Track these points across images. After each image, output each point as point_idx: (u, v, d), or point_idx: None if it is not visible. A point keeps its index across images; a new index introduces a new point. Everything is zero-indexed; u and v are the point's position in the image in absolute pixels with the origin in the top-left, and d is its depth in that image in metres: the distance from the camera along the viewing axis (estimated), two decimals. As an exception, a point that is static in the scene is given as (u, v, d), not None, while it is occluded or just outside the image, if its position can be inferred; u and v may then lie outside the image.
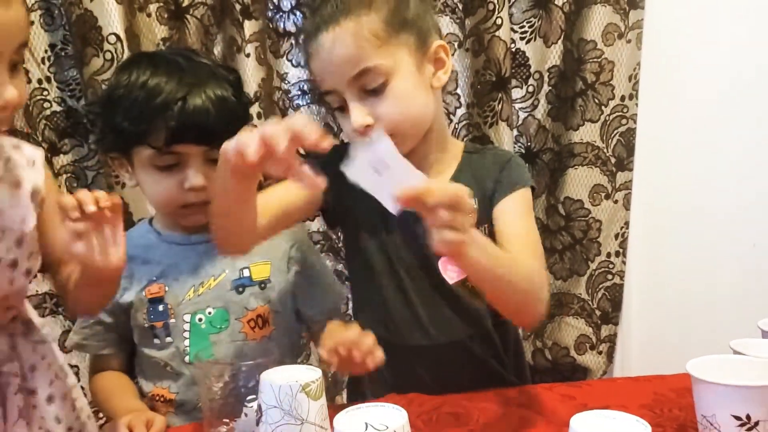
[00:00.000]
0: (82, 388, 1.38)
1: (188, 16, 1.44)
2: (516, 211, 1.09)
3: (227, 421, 0.91)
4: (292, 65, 1.55)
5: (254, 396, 0.90)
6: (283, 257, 1.17)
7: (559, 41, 1.56)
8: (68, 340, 1.18)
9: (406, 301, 1.11)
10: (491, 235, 1.07)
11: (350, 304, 1.29)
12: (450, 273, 1.09)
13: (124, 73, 1.08)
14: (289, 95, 1.56)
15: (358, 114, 1.01)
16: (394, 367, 1.03)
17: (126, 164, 1.10)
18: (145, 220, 1.21)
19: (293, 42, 1.54)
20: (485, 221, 1.09)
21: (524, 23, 1.55)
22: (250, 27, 1.46)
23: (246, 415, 0.90)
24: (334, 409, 0.79)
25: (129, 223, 1.39)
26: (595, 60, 1.55)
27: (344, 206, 1.11)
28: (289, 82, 1.56)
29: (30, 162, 0.98)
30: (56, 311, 1.46)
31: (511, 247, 1.03)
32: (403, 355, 1.10)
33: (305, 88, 1.56)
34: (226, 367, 0.93)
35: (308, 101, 1.58)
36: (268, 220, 1.02)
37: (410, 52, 1.03)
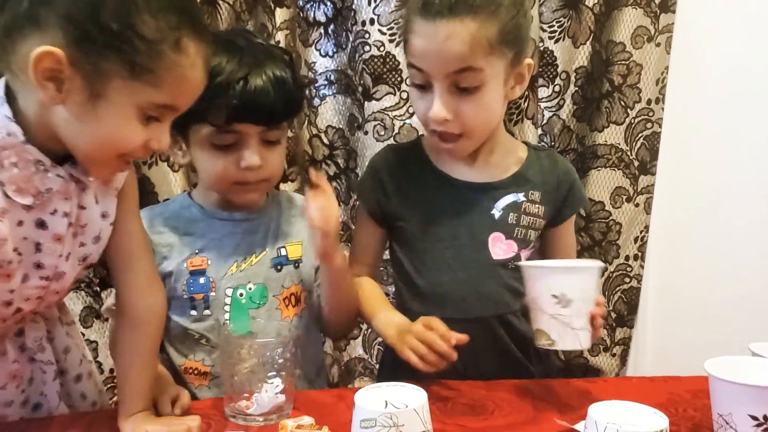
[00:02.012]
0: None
1: (220, 2, 1.46)
2: (572, 229, 1.26)
3: (247, 395, 0.93)
4: (320, 55, 1.56)
5: (275, 372, 0.92)
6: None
7: (588, 42, 1.57)
8: (105, 305, 1.20)
9: (449, 272, 1.15)
10: (544, 236, 1.20)
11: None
12: (497, 250, 1.15)
13: None
14: (316, 85, 1.58)
15: (442, 107, 1.05)
16: None
17: (180, 142, 1.11)
18: (184, 193, 1.23)
19: (322, 32, 1.56)
20: (543, 218, 1.18)
21: (554, 23, 1.55)
22: (281, 15, 1.48)
23: (267, 391, 0.91)
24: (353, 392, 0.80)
25: (154, 201, 1.42)
26: (623, 62, 1.55)
27: (392, 208, 1.18)
28: (316, 72, 1.57)
29: None
30: (78, 287, 1.48)
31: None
32: None
33: (332, 78, 1.58)
34: (249, 343, 0.95)
35: (334, 91, 1.59)
36: (374, 268, 1.23)
37: (506, 64, 1.06)
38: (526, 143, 1.25)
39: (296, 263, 1.16)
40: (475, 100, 1.05)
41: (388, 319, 1.11)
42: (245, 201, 1.14)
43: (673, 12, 1.56)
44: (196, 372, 1.12)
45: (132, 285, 0.96)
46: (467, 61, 1.02)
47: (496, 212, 1.15)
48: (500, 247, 1.15)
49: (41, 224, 0.86)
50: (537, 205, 1.17)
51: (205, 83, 0.85)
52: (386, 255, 1.26)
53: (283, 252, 1.15)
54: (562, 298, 0.92)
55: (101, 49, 0.76)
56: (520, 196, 1.16)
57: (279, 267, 1.15)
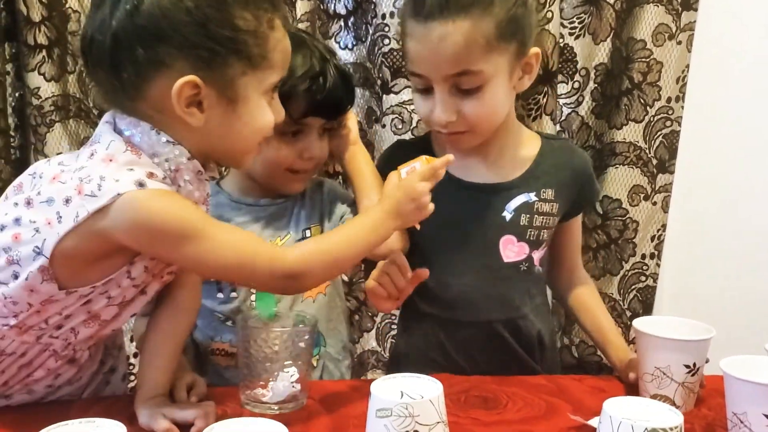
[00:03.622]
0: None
1: (242, -6, 1.47)
2: (580, 223, 1.27)
3: (263, 383, 0.93)
4: (340, 47, 1.57)
5: (291, 361, 0.93)
6: (336, 219, 1.20)
7: (608, 39, 1.56)
8: None
9: (459, 276, 1.14)
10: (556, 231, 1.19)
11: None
12: (508, 252, 1.14)
13: None
14: (335, 77, 1.58)
15: (444, 110, 1.05)
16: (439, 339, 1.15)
17: None
18: (213, 181, 1.25)
19: (342, 24, 1.56)
20: (557, 215, 1.17)
21: (574, 19, 1.54)
22: (301, 7, 1.48)
23: (282, 379, 0.92)
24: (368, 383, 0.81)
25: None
26: (644, 60, 1.54)
27: None
28: (335, 64, 1.58)
29: None
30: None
31: (574, 255, 1.26)
32: (452, 329, 1.15)
33: (351, 70, 1.58)
34: (266, 331, 0.96)
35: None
36: None
37: (510, 58, 1.04)
38: (540, 133, 1.23)
39: None
40: (477, 99, 1.04)
41: None
42: (294, 189, 1.17)
43: (695, 10, 1.54)
44: (223, 353, 1.15)
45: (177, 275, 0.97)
46: (464, 65, 1.00)
47: (507, 214, 1.14)
48: (512, 250, 1.14)
49: None
50: (550, 203, 1.15)
51: None
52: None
53: (308, 234, 1.17)
54: (693, 367, 0.96)
55: (224, 58, 0.83)
56: (532, 196, 1.14)
57: None
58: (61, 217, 0.80)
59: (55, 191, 0.81)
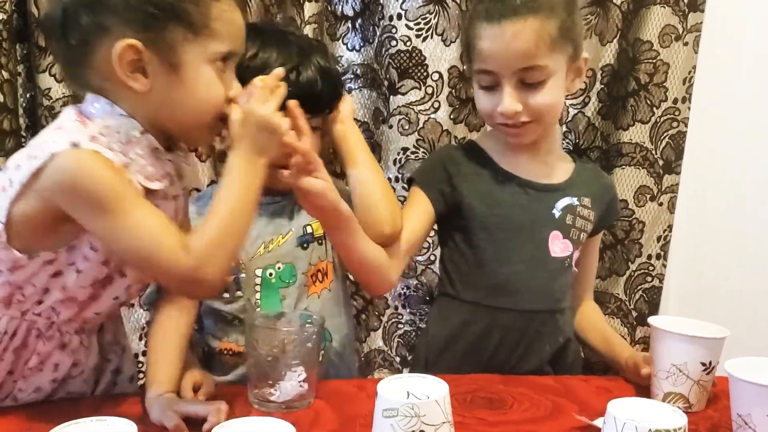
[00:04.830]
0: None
1: (250, -4, 1.48)
2: (598, 243, 1.39)
3: (271, 382, 0.94)
4: (347, 49, 1.57)
5: (298, 360, 0.94)
6: None
7: (615, 40, 1.56)
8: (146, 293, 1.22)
9: (509, 265, 1.19)
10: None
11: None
12: (555, 248, 1.21)
13: None
14: (342, 78, 1.59)
15: (512, 101, 1.12)
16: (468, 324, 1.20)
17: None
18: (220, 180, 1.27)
19: (350, 26, 1.56)
20: (593, 222, 1.25)
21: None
22: (309, 8, 1.49)
23: (290, 379, 0.93)
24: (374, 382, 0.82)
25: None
26: (650, 61, 1.54)
27: (457, 198, 1.22)
28: (342, 66, 1.58)
29: None
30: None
31: (589, 275, 1.36)
32: (492, 315, 1.20)
33: (358, 72, 1.59)
34: (273, 331, 0.97)
35: (360, 85, 1.60)
36: (414, 244, 1.21)
37: (566, 59, 1.14)
38: (569, 153, 1.33)
39: (320, 239, 1.19)
40: (541, 91, 1.12)
41: None
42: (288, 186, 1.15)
43: (702, 11, 1.54)
44: (231, 353, 1.16)
45: None
46: (532, 59, 1.10)
47: (556, 212, 1.21)
48: (558, 246, 1.21)
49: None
50: (588, 210, 1.24)
51: (245, 25, 0.93)
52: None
53: (309, 230, 1.18)
54: (709, 365, 0.98)
55: (164, 23, 0.84)
56: (575, 200, 1.23)
57: (305, 245, 1.17)
58: (12, 181, 0.84)
59: (11, 160, 0.86)
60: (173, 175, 0.95)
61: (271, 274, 1.15)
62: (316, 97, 1.10)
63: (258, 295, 1.15)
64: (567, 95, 1.34)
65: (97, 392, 1.03)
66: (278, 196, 1.18)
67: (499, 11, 1.10)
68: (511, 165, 1.22)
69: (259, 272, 1.15)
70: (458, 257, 1.24)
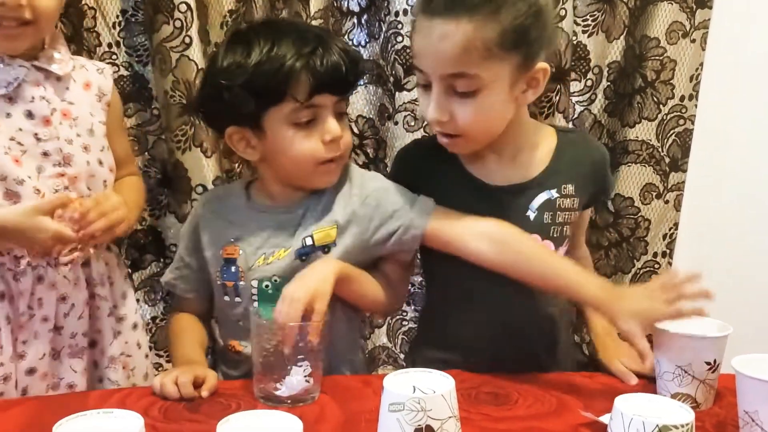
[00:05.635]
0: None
1: (256, -9, 1.47)
2: (588, 215, 1.31)
3: (276, 377, 0.94)
4: (353, 45, 1.57)
5: (303, 356, 0.94)
6: (350, 217, 1.14)
7: (622, 37, 1.56)
8: (164, 276, 1.25)
9: (485, 277, 1.10)
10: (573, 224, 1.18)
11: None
12: None
13: (244, 43, 1.07)
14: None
15: (437, 109, 1.04)
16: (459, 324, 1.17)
17: (249, 136, 1.10)
18: (243, 180, 1.26)
19: (356, 21, 1.56)
20: (578, 209, 1.17)
21: (588, 16, 1.54)
22: (315, 4, 1.48)
23: (296, 374, 0.93)
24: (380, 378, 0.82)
25: (188, 188, 1.44)
26: (657, 58, 1.54)
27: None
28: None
29: (99, 70, 1.22)
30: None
31: (579, 232, 1.26)
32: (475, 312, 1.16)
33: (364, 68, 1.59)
34: (278, 327, 0.96)
35: (365, 81, 1.59)
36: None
37: (512, 69, 1.01)
38: (554, 126, 1.22)
39: (325, 248, 1.12)
40: (471, 104, 1.02)
41: None
42: (326, 183, 1.14)
43: (710, 8, 1.54)
44: (234, 350, 1.15)
45: None
46: (459, 67, 0.99)
47: (531, 213, 1.13)
48: None
49: (29, 115, 1.06)
50: (571, 198, 1.15)
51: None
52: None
53: (308, 241, 1.12)
54: (714, 364, 0.97)
55: None
56: (554, 193, 1.13)
57: (304, 257, 1.12)
58: None
59: None
60: (30, 80, 1.07)
61: (267, 286, 1.12)
62: (343, 80, 1.09)
63: (255, 305, 1.12)
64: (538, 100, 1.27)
65: (103, 343, 1.15)
66: (293, 206, 1.14)
67: (435, 6, 0.99)
68: (478, 169, 1.13)
69: (255, 283, 1.12)
70: (433, 268, 1.22)
